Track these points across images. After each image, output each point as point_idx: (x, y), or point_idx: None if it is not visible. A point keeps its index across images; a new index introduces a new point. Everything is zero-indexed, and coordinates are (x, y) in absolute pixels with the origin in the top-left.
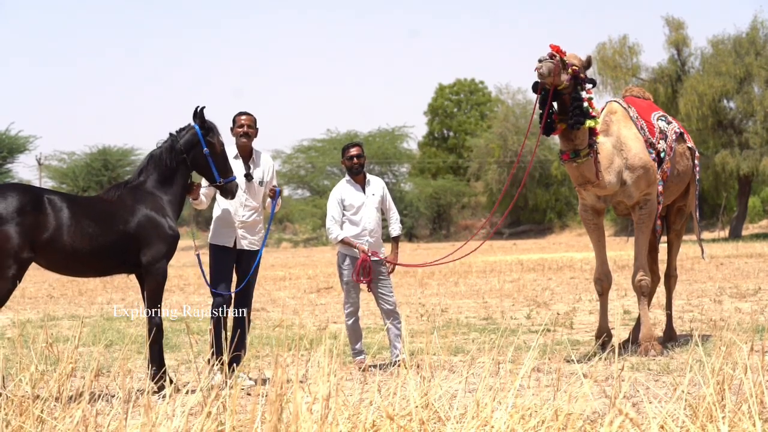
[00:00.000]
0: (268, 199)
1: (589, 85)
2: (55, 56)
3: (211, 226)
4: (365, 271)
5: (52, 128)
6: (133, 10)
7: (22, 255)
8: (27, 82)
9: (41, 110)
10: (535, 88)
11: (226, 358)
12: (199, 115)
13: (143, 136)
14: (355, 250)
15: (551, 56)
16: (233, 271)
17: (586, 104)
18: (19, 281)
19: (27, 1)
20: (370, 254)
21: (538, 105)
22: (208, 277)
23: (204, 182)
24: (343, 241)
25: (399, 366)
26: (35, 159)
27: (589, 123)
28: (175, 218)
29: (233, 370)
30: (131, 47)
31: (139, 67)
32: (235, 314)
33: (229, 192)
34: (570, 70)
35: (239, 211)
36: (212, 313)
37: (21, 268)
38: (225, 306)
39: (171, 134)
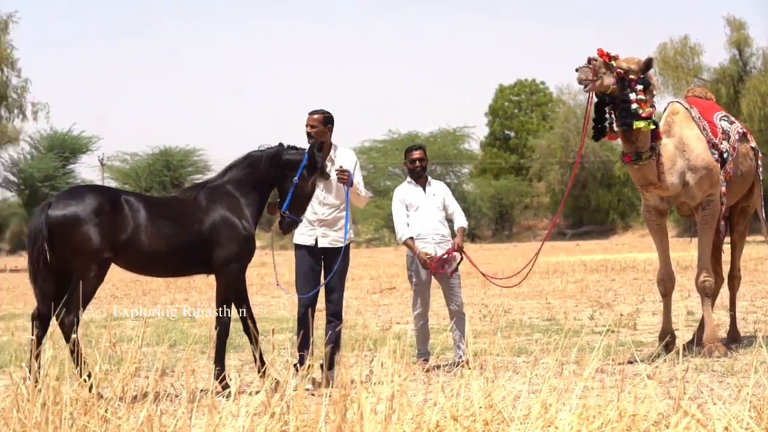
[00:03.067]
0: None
1: (639, 87)
2: (118, 56)
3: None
4: (441, 263)
5: (115, 129)
6: (201, 10)
7: (102, 255)
8: (90, 82)
9: (104, 110)
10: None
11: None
12: (312, 150)
13: (206, 137)
14: (420, 251)
15: (589, 61)
16: (319, 270)
17: (635, 106)
18: (101, 281)
19: (87, 2)
20: (428, 259)
21: (591, 109)
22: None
23: None
24: (406, 243)
25: (462, 367)
26: (98, 159)
27: (637, 125)
28: (253, 221)
29: (298, 370)
30: (199, 47)
31: (204, 67)
32: (327, 315)
33: (284, 226)
34: (615, 73)
35: (318, 210)
36: (299, 312)
37: (102, 268)
38: (311, 307)
39: (281, 144)
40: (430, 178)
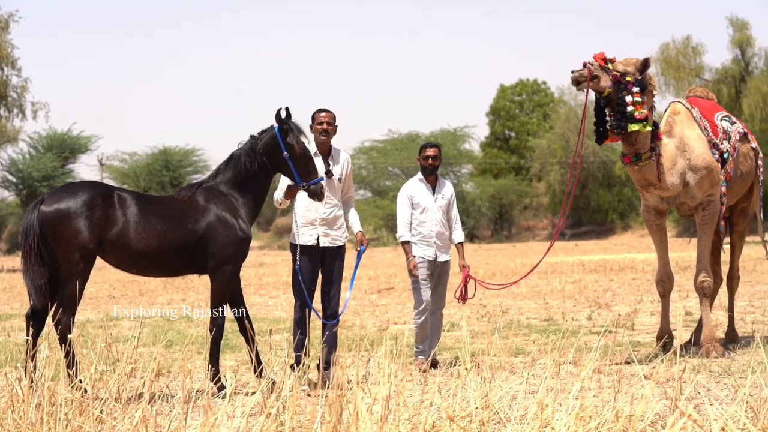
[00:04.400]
0: (358, 240)
1: (636, 89)
2: (118, 56)
3: (293, 226)
4: (462, 293)
5: (114, 128)
6: (200, 10)
7: (88, 249)
8: (90, 81)
9: (103, 110)
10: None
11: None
12: (277, 116)
13: (206, 136)
14: (413, 259)
15: (584, 65)
16: (318, 270)
17: (630, 108)
18: (86, 278)
19: (86, 2)
20: (413, 267)
21: (590, 110)
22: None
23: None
24: (403, 244)
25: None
26: (97, 159)
27: (632, 127)
28: (249, 221)
29: (294, 371)
30: (199, 47)
31: (202, 67)
32: (324, 315)
33: (314, 194)
34: (611, 76)
35: (320, 209)
36: (295, 313)
37: (87, 263)
38: (308, 308)
39: (252, 136)
40: (440, 177)
